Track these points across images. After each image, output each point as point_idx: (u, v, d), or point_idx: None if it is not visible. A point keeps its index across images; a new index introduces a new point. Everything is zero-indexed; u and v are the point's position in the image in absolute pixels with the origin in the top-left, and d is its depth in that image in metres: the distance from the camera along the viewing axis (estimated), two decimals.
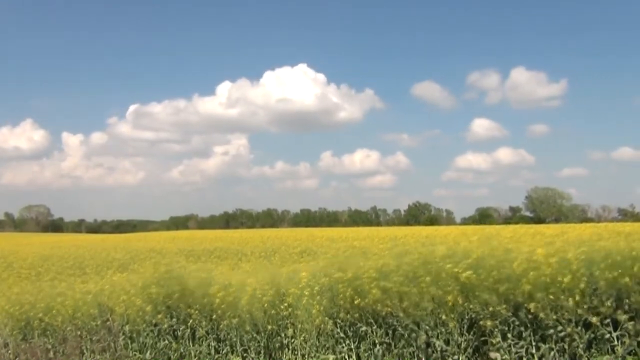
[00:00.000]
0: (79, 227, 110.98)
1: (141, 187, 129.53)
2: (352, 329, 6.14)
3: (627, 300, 4.91)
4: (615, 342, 4.85)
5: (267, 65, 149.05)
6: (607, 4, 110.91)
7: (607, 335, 4.88)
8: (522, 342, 5.20)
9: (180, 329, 6.99)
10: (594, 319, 4.84)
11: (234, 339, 6.69)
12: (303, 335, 6.30)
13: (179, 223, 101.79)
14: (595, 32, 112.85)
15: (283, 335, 6.46)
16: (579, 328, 4.95)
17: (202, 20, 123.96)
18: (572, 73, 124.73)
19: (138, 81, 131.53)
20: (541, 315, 5.04)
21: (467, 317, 5.50)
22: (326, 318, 6.20)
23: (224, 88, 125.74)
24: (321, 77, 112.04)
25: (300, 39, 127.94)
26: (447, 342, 5.56)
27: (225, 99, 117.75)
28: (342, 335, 6.18)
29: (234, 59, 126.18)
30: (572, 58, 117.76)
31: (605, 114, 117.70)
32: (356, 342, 6.10)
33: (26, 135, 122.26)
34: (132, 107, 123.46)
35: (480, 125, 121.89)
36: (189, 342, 6.94)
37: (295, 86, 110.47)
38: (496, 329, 5.28)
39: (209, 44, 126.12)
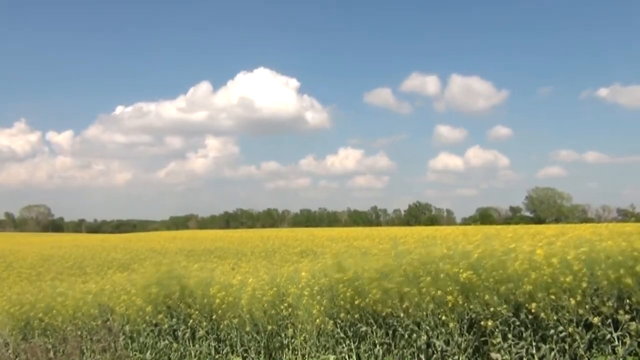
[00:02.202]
0: (79, 227, 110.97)
1: (134, 187, 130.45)
2: (352, 329, 6.13)
3: (628, 301, 4.90)
4: (616, 343, 4.84)
5: (241, 69, 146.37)
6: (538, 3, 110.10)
7: (608, 336, 4.87)
8: (522, 343, 5.18)
9: (181, 329, 6.99)
10: (595, 319, 4.83)
11: (234, 339, 6.68)
12: (303, 335, 6.29)
13: (179, 223, 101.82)
14: (529, 33, 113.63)
15: (283, 335, 6.46)
16: (580, 328, 4.94)
17: (198, 21, 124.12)
18: (513, 76, 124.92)
19: (130, 81, 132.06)
20: (542, 315, 5.03)
21: (467, 317, 5.50)
22: (326, 318, 6.19)
23: (201, 89, 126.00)
24: (292, 81, 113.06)
25: (264, 41, 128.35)
26: (447, 343, 5.56)
27: (208, 102, 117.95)
28: (342, 335, 6.17)
29: (234, 59, 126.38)
30: (511, 59, 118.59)
31: (560, 114, 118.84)
32: (356, 343, 6.09)
33: (19, 136, 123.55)
34: (118, 108, 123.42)
35: (444, 129, 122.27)
36: (189, 342, 6.94)
37: (264, 90, 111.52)
38: (496, 329, 5.27)
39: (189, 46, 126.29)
